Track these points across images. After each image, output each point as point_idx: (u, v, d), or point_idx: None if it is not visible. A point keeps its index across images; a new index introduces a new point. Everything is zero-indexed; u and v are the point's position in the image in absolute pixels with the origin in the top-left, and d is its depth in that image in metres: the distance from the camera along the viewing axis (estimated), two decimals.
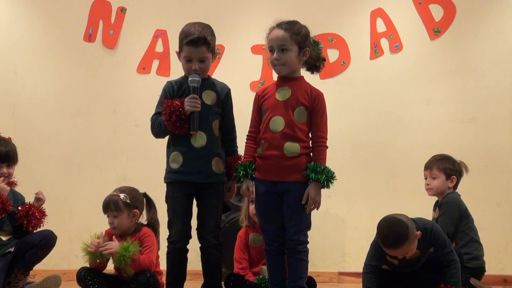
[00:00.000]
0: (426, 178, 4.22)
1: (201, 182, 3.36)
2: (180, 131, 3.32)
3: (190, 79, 3.33)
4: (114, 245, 3.64)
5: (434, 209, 4.21)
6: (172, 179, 3.39)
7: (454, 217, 4.01)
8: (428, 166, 4.22)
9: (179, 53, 3.45)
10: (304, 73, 3.41)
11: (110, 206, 3.75)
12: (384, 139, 5.26)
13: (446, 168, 4.16)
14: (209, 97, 3.42)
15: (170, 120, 3.29)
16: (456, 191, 4.21)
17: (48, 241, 3.73)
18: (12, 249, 3.73)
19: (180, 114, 3.28)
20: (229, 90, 3.50)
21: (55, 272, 4.51)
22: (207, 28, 3.40)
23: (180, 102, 3.30)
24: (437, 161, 4.19)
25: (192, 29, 3.35)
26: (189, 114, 3.28)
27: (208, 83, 3.46)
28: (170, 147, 3.44)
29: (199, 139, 3.35)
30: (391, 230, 3.39)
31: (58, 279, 4.00)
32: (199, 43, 3.32)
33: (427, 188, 4.21)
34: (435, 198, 4.25)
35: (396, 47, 5.35)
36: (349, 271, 5.14)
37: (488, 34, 5.30)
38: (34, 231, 3.80)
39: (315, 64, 3.38)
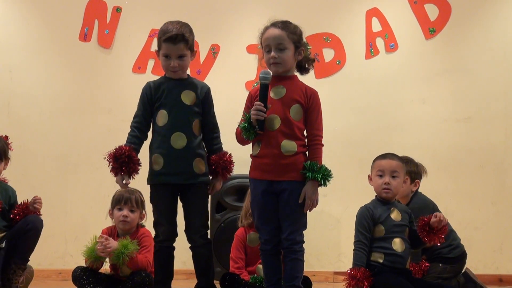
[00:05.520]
0: None
1: (182, 183, 3.38)
2: None
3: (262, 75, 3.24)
4: (113, 243, 3.66)
5: None
6: (155, 181, 3.42)
7: None
8: None
9: (157, 52, 3.47)
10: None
11: (132, 200, 3.84)
12: (379, 138, 5.27)
13: (411, 171, 4.13)
14: (188, 97, 3.44)
15: None
16: (419, 191, 4.20)
17: (34, 225, 3.71)
18: (3, 245, 3.71)
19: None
20: (208, 88, 3.52)
21: (51, 272, 4.52)
22: (185, 26, 3.43)
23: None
24: None
25: (170, 27, 3.39)
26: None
27: (187, 83, 3.48)
28: (151, 149, 3.46)
29: (179, 140, 3.37)
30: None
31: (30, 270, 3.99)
32: (177, 39, 3.35)
33: None
34: None
35: (392, 46, 5.36)
36: (344, 270, 5.10)
37: (483, 34, 5.32)
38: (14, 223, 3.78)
39: (305, 65, 3.37)
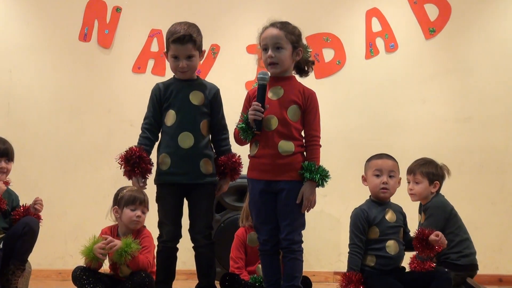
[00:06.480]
0: (409, 182, 4.20)
1: (189, 183, 3.38)
2: None
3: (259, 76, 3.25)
4: (117, 242, 3.66)
5: (420, 213, 4.20)
6: (161, 180, 3.43)
7: (439, 221, 4.01)
8: (411, 171, 4.19)
9: (166, 53, 3.48)
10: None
11: (145, 201, 3.84)
12: (379, 138, 5.26)
13: (429, 173, 4.13)
14: (196, 97, 3.44)
15: None
16: (440, 192, 4.20)
17: (30, 227, 3.71)
18: (1, 246, 3.72)
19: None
20: (217, 90, 3.52)
21: (51, 272, 4.51)
22: (193, 26, 3.44)
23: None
24: (420, 165, 4.16)
25: (178, 28, 3.40)
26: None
27: (196, 84, 3.49)
28: (159, 149, 3.47)
29: (187, 140, 3.37)
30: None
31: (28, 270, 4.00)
32: (185, 40, 3.36)
33: (410, 194, 4.18)
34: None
35: (392, 46, 5.36)
36: (344, 270, 5.11)
37: (483, 34, 5.31)
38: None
39: (304, 67, 3.38)
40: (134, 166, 3.35)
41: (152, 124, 3.47)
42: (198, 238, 3.42)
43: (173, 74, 3.52)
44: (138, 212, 3.81)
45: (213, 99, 3.48)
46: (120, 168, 3.39)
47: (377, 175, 3.59)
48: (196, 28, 3.45)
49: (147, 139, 3.46)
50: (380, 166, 3.60)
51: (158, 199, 3.47)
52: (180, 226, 3.44)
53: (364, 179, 3.67)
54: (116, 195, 3.91)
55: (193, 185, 3.39)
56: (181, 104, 3.42)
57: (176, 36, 3.36)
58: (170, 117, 3.42)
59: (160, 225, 3.44)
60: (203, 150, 3.41)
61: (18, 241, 3.69)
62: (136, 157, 3.35)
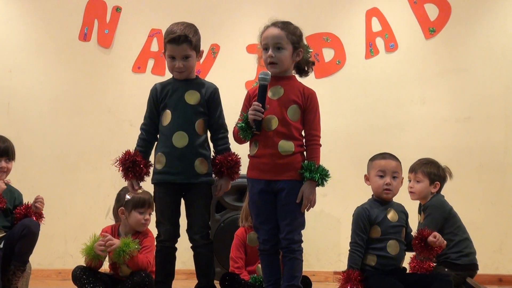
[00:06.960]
0: (410, 181, 4.21)
1: (184, 182, 3.38)
2: None
3: (260, 76, 3.26)
4: (116, 241, 3.66)
5: (419, 213, 4.21)
6: (156, 179, 3.44)
7: (437, 220, 4.03)
8: (413, 169, 4.20)
9: (164, 53, 3.49)
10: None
11: (152, 204, 3.82)
12: (379, 138, 5.26)
13: (430, 173, 4.15)
14: (192, 97, 3.43)
15: None
16: (441, 193, 4.21)
17: (30, 230, 3.70)
18: (1, 246, 3.71)
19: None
20: (214, 89, 3.50)
21: (51, 272, 4.50)
22: (190, 27, 3.43)
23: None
24: (422, 165, 4.17)
25: (174, 28, 3.40)
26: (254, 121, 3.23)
27: (194, 83, 3.48)
28: (156, 148, 3.48)
29: (181, 139, 3.37)
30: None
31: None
32: (180, 40, 3.36)
33: (410, 192, 4.19)
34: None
35: (392, 46, 5.36)
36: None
37: (483, 34, 5.32)
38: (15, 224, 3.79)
39: (304, 67, 3.38)
40: (128, 170, 3.38)
41: (149, 124, 3.49)
42: (196, 238, 3.42)
43: (172, 75, 3.52)
44: (147, 215, 3.83)
45: (210, 98, 3.47)
46: (118, 171, 3.41)
47: (381, 176, 3.57)
48: (193, 28, 3.44)
49: (143, 141, 3.48)
50: (383, 167, 3.57)
51: (155, 199, 3.49)
52: (178, 226, 3.44)
53: (367, 178, 3.65)
54: (121, 195, 3.90)
55: (188, 185, 3.39)
56: (176, 103, 3.42)
57: (171, 37, 3.37)
58: (166, 117, 3.42)
59: (158, 224, 3.44)
60: (198, 149, 3.40)
61: (18, 243, 3.69)
62: (130, 162, 3.38)
